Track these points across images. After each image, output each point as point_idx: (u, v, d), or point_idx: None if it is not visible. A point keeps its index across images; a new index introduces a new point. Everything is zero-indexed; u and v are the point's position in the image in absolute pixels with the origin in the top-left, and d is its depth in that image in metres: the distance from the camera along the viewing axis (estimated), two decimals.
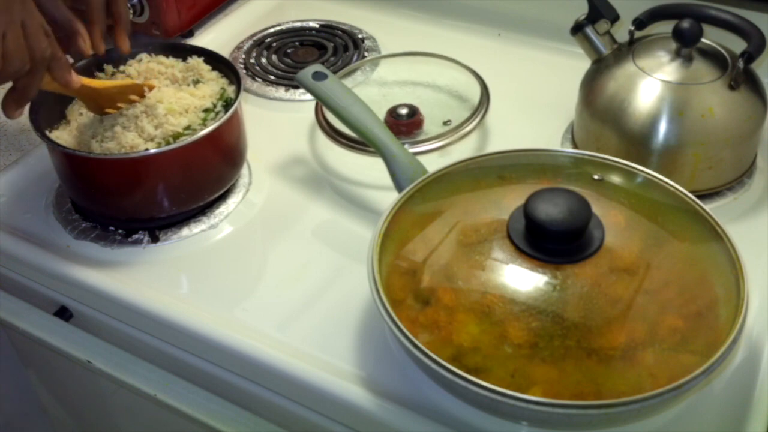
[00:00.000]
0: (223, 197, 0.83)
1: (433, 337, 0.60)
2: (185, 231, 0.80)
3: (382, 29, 1.08)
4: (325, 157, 0.89)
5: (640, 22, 0.81)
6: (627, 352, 0.58)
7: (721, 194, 0.80)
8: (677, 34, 0.77)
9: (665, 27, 0.80)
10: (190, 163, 0.77)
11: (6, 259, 0.80)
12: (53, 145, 0.75)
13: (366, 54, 1.04)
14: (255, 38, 1.08)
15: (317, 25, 1.10)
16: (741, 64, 0.76)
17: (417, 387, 0.65)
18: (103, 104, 0.78)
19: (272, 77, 1.01)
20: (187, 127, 0.77)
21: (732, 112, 0.77)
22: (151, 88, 0.79)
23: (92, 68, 0.82)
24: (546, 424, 0.60)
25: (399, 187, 0.73)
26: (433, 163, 0.73)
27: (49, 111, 0.79)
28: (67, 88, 0.72)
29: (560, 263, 0.62)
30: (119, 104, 0.78)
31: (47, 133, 0.77)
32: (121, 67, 0.83)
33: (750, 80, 0.78)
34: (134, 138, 0.75)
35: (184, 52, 0.85)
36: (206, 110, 0.79)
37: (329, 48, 1.05)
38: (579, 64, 0.85)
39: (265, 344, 0.68)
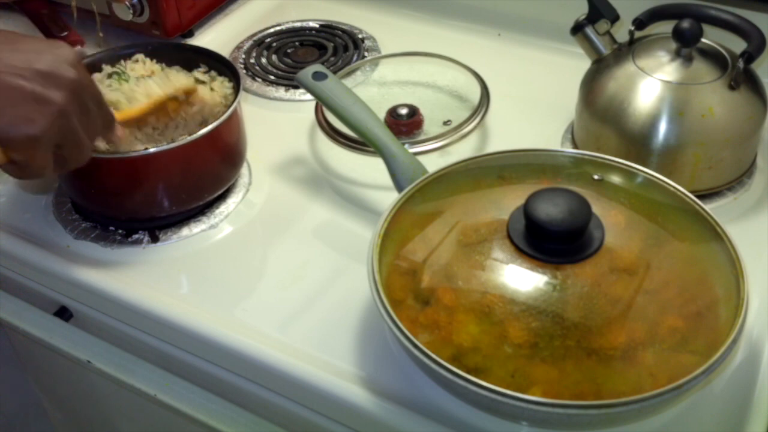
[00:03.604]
0: (223, 197, 0.83)
1: (433, 337, 0.60)
2: (185, 231, 0.80)
3: (382, 29, 1.08)
4: (325, 157, 0.89)
5: (640, 22, 0.81)
6: (627, 352, 0.58)
7: (721, 194, 0.80)
8: (677, 34, 0.77)
9: (665, 27, 0.80)
10: (190, 162, 0.77)
11: (6, 259, 0.80)
12: None
13: (366, 54, 1.04)
14: (255, 38, 1.08)
15: (317, 25, 1.10)
16: (741, 64, 0.76)
17: (417, 387, 0.65)
18: (143, 122, 0.77)
19: (272, 77, 1.01)
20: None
21: (732, 112, 0.77)
22: (189, 93, 0.79)
23: (89, 69, 0.82)
24: (546, 424, 0.60)
25: (399, 187, 0.73)
26: (433, 163, 0.73)
27: None
28: (117, 144, 0.72)
29: (560, 263, 0.62)
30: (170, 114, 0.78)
31: None
32: (118, 67, 0.82)
33: (750, 80, 0.78)
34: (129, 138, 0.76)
35: (184, 52, 0.85)
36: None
37: (329, 48, 1.05)
38: (579, 64, 0.85)
39: (265, 344, 0.68)
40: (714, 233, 0.65)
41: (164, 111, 0.78)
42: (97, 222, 0.81)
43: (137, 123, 0.76)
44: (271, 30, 1.10)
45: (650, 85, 0.77)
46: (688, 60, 0.78)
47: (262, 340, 0.69)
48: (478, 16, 1.07)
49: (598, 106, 0.81)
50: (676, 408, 0.63)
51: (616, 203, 0.68)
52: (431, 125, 0.87)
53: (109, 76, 0.81)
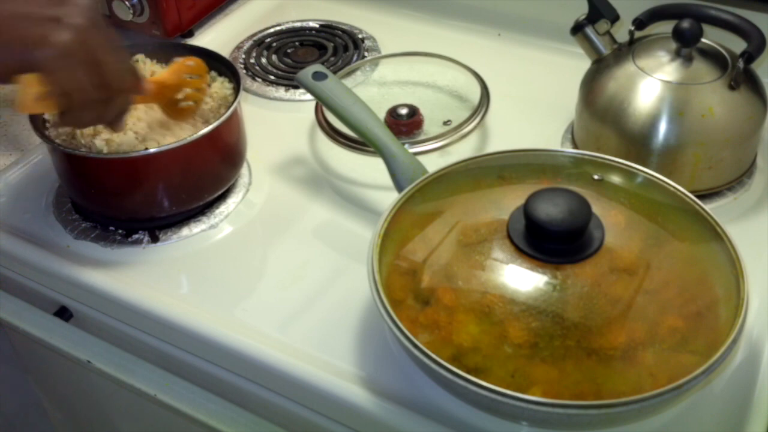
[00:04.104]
0: (223, 197, 0.83)
1: (433, 337, 0.60)
2: (185, 231, 0.80)
3: (382, 29, 1.08)
4: (325, 157, 0.89)
5: (640, 22, 0.81)
6: (627, 352, 0.58)
7: (721, 194, 0.80)
8: (677, 34, 0.77)
9: (665, 27, 0.80)
10: (190, 162, 0.77)
11: (6, 259, 0.80)
12: (53, 145, 0.75)
13: (366, 54, 1.04)
14: (255, 38, 1.08)
15: (317, 25, 1.10)
16: (741, 64, 0.76)
17: (417, 387, 0.65)
18: (170, 96, 0.77)
19: (272, 77, 1.01)
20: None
21: (732, 112, 0.77)
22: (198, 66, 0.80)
23: None
24: (546, 424, 0.60)
25: (399, 187, 0.73)
26: (433, 163, 0.73)
27: None
28: (144, 96, 0.72)
29: (560, 263, 0.62)
30: (184, 92, 0.78)
31: (47, 132, 0.77)
32: None
33: (750, 80, 0.78)
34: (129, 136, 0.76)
35: (184, 52, 0.85)
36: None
37: (329, 48, 1.05)
38: (579, 64, 0.85)
39: (265, 344, 0.68)
40: (714, 233, 0.65)
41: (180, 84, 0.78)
42: (97, 222, 0.81)
43: (160, 87, 0.76)
44: (271, 30, 1.10)
45: (650, 85, 0.77)
46: (688, 60, 0.78)
47: (262, 340, 0.69)
48: (478, 16, 1.07)
49: (598, 106, 0.81)
50: (676, 408, 0.63)
51: (616, 203, 0.68)
52: (431, 125, 0.87)
53: None
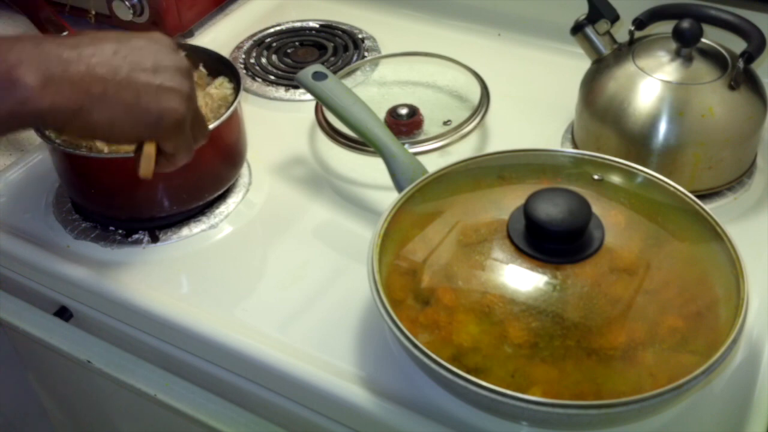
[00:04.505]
0: (223, 197, 0.83)
1: (433, 337, 0.60)
2: (185, 231, 0.80)
3: (382, 29, 1.08)
4: (325, 157, 0.89)
5: (640, 22, 0.81)
6: (627, 352, 0.58)
7: (721, 194, 0.80)
8: (677, 34, 0.77)
9: (665, 27, 0.80)
10: (190, 162, 0.76)
11: (6, 259, 0.80)
12: (53, 145, 0.75)
13: (366, 54, 1.04)
14: (255, 38, 1.08)
15: (317, 25, 1.10)
16: (741, 64, 0.76)
17: (417, 387, 0.65)
18: None
19: (272, 77, 1.01)
20: None
21: (732, 112, 0.77)
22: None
23: None
24: (546, 424, 0.60)
25: (399, 187, 0.73)
26: (433, 163, 0.73)
27: None
28: None
29: (560, 263, 0.62)
30: None
31: (47, 132, 0.77)
32: None
33: (750, 80, 0.78)
34: None
35: (184, 52, 0.85)
36: None
37: (329, 48, 1.05)
38: (579, 64, 0.85)
39: (265, 344, 0.68)
40: (714, 233, 0.65)
41: None
42: (97, 222, 0.81)
43: None
44: (271, 30, 1.10)
45: (650, 85, 0.77)
46: (688, 60, 0.78)
47: (262, 340, 0.69)
48: (478, 16, 1.07)
49: (598, 106, 0.81)
50: (676, 408, 0.63)
51: (616, 203, 0.68)
52: (431, 125, 0.87)
53: None
